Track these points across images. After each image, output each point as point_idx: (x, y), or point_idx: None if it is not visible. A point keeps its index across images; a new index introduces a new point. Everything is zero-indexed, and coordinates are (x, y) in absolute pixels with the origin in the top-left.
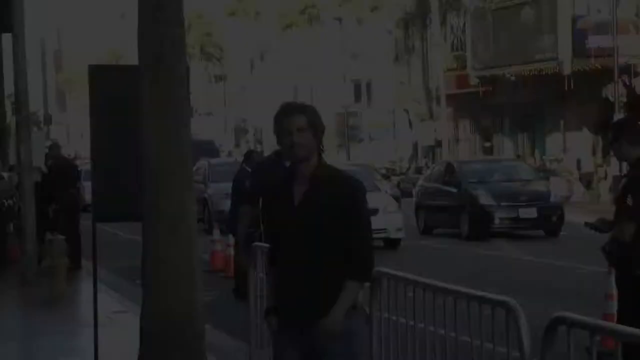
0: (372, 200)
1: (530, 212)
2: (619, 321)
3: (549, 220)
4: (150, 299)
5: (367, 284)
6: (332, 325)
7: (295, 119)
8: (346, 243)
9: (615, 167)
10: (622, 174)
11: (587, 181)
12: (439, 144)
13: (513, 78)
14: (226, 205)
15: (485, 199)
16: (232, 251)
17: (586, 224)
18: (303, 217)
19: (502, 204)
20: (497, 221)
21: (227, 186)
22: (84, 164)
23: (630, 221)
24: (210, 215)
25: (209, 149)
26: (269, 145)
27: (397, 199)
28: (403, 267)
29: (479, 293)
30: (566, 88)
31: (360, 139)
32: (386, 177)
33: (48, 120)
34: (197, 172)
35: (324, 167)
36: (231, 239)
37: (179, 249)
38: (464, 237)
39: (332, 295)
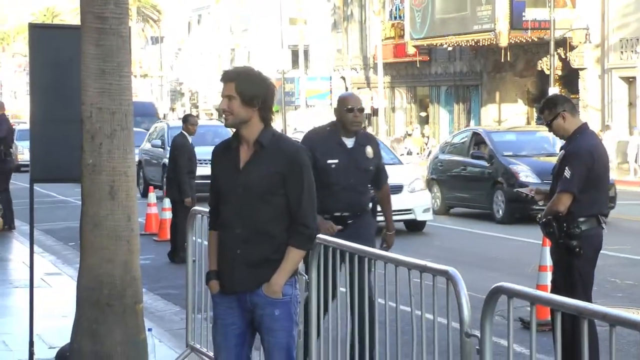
0: (395, 175)
1: None
2: (553, 292)
3: None
4: (87, 262)
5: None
6: (273, 291)
7: (225, 86)
8: (289, 210)
9: None
10: (560, 148)
11: None
12: (375, 112)
13: (450, 48)
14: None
15: (526, 176)
16: (166, 215)
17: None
18: (245, 182)
19: (546, 181)
20: (540, 202)
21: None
22: (17, 124)
23: (567, 193)
24: None
25: (150, 112)
26: (205, 108)
27: None
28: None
29: (420, 262)
30: (502, 60)
31: (297, 105)
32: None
33: None
34: (155, 135)
35: (268, 133)
36: (167, 203)
37: (118, 212)
38: (497, 219)
39: (273, 262)
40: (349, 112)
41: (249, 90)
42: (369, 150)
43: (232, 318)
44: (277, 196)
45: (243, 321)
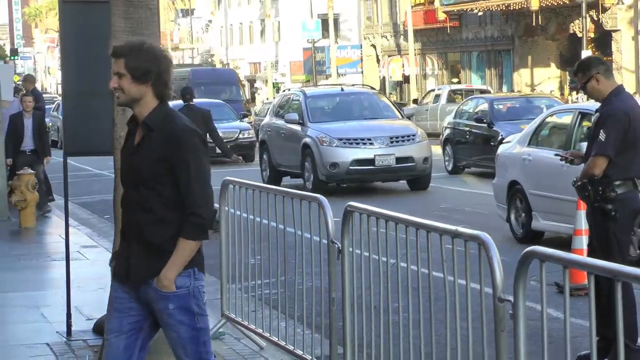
0: None
1: None
2: (590, 255)
3: None
4: None
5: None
6: (163, 286)
7: (115, 62)
8: (181, 197)
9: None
10: (595, 110)
11: None
12: (406, 79)
13: (480, 13)
14: (338, 156)
15: None
16: None
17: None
18: (133, 166)
19: None
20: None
21: (336, 128)
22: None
23: (602, 156)
24: (317, 168)
25: (231, 79)
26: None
27: None
28: None
29: (452, 227)
30: (534, 23)
31: (328, 75)
32: None
33: (14, 52)
34: (286, 106)
35: (157, 114)
36: None
37: None
38: None
39: (167, 253)
40: None
41: (141, 66)
42: None
43: (129, 303)
44: (164, 184)
45: (142, 310)
